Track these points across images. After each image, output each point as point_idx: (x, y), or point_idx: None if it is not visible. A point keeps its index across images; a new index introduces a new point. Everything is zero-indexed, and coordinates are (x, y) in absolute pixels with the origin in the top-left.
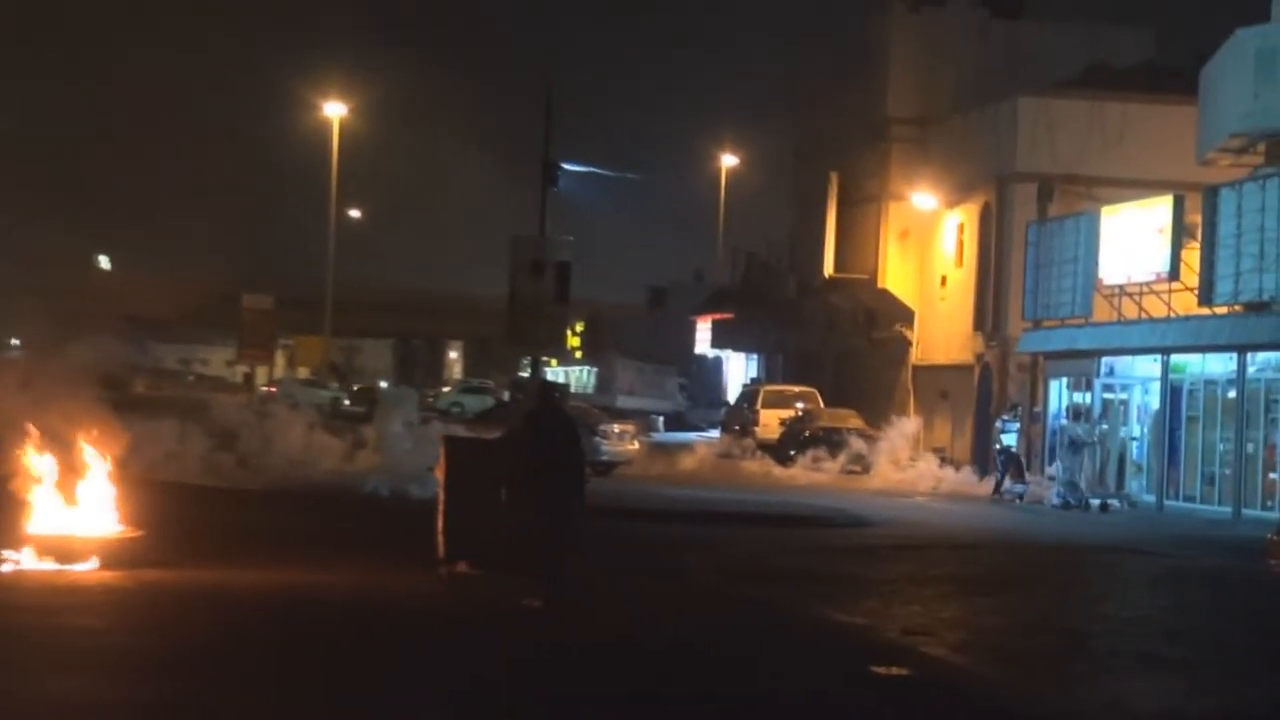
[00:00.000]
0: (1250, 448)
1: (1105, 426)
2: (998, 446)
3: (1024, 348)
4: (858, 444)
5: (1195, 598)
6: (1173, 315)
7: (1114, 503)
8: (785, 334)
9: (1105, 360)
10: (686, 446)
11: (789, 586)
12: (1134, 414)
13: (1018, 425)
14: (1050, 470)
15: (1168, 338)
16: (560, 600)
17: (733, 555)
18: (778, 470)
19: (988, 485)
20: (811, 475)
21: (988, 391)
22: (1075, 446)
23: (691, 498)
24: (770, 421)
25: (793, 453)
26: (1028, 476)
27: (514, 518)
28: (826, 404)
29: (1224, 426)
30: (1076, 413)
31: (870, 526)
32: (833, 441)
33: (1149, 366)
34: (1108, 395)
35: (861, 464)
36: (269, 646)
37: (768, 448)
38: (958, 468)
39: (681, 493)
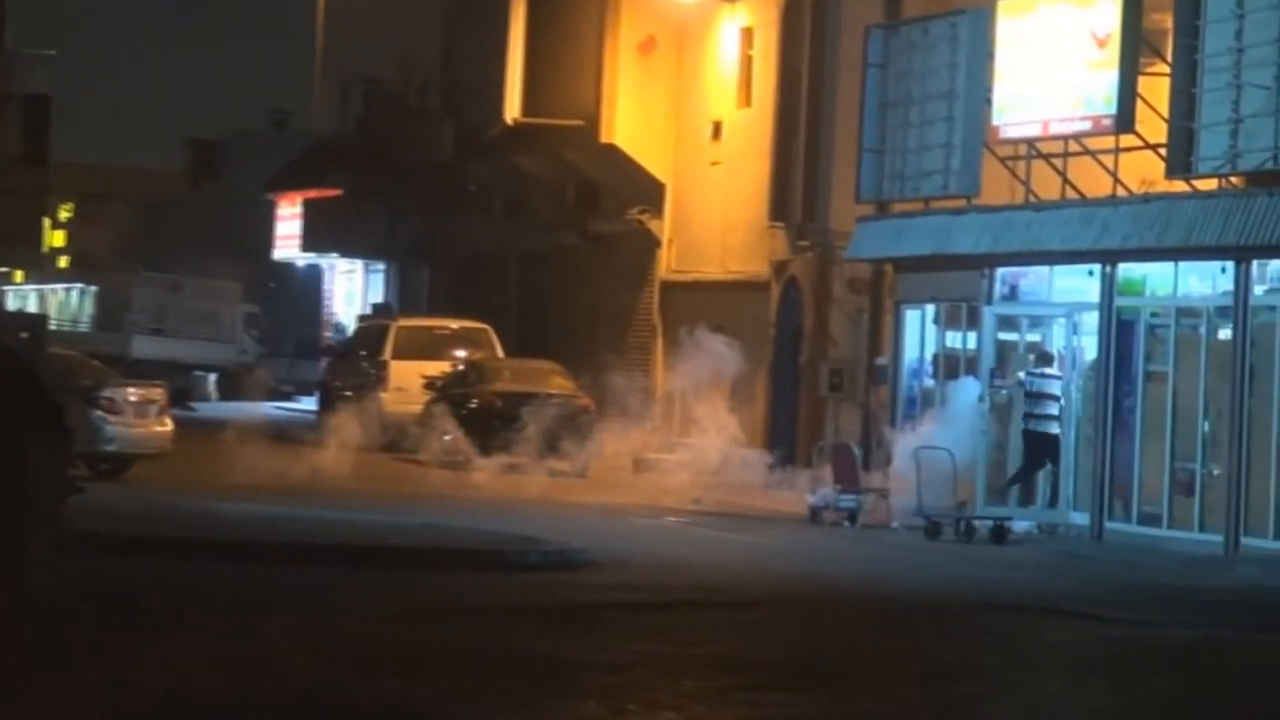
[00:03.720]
0: (1258, 429)
1: (1003, 391)
2: (1034, 428)
3: (859, 252)
4: (564, 421)
5: (1162, 696)
6: (1123, 194)
7: (1017, 526)
8: (435, 226)
9: (1003, 273)
10: (301, 429)
11: (441, 679)
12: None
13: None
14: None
15: (1114, 233)
16: None
17: (345, 622)
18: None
19: (792, 491)
20: (498, 480)
21: (793, 327)
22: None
23: (279, 519)
24: (408, 382)
25: (448, 437)
26: (865, 480)
27: None
28: (510, 351)
29: (1211, 390)
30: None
31: (587, 569)
32: (519, 418)
33: (1079, 284)
34: (1006, 335)
35: (572, 459)
36: None
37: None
38: (737, 456)
39: (261, 510)
